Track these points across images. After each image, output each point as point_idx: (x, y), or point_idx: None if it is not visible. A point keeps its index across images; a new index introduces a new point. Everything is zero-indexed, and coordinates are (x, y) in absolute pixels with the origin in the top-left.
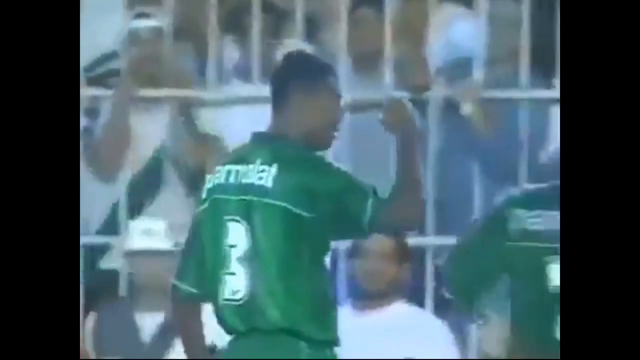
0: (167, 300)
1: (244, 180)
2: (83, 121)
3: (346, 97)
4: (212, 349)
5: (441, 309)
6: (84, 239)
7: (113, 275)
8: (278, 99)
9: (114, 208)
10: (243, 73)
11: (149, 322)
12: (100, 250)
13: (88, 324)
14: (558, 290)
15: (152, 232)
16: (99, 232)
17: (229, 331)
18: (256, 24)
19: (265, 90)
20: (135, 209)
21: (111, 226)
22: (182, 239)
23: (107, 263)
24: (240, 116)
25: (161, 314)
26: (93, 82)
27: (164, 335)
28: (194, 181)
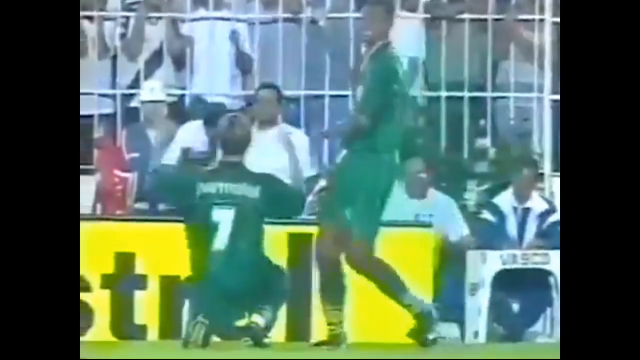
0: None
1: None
2: (120, 29)
3: None
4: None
5: None
6: None
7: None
8: None
9: (137, 74)
10: None
11: (153, 133)
12: None
13: (124, 134)
14: None
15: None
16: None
17: None
18: None
19: None
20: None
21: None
22: None
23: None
24: None
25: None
26: (127, 8)
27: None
28: None
